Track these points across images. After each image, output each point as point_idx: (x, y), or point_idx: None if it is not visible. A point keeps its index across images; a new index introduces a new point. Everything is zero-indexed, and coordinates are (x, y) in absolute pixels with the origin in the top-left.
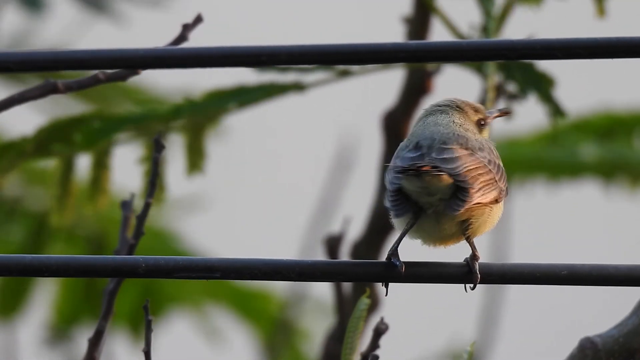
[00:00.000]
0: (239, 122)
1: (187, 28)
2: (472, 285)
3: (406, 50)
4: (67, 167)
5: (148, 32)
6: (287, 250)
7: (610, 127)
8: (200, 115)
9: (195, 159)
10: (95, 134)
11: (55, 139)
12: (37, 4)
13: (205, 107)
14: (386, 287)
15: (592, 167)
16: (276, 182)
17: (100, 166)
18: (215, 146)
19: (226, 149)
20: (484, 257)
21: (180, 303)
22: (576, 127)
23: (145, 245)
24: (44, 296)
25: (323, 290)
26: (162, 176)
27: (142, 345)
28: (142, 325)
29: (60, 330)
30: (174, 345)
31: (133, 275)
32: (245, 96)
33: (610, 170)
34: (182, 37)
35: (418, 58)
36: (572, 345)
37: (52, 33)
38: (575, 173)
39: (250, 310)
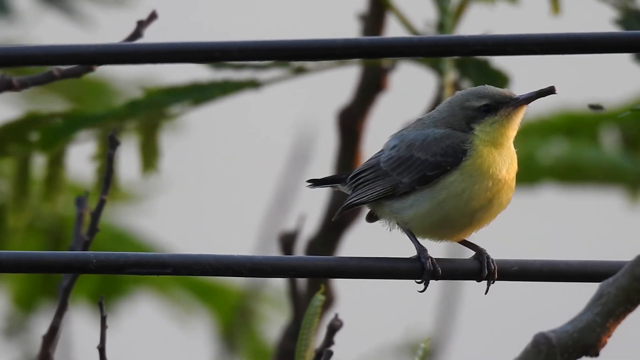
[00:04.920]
0: (194, 119)
1: (141, 25)
2: (422, 281)
3: (358, 46)
4: (23, 168)
5: (111, 32)
6: (243, 245)
7: (571, 127)
8: (155, 112)
9: (150, 158)
10: (52, 134)
11: (11, 139)
12: (4, 9)
13: (160, 103)
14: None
15: (549, 171)
16: (232, 178)
17: (56, 164)
18: (171, 142)
19: (182, 145)
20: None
21: (144, 285)
22: (536, 127)
23: (100, 241)
24: (1, 287)
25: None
26: (117, 173)
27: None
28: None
29: (18, 321)
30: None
31: (84, 271)
32: (200, 93)
33: (568, 173)
34: (136, 34)
35: (370, 54)
36: (526, 340)
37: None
38: (534, 177)
39: (209, 299)
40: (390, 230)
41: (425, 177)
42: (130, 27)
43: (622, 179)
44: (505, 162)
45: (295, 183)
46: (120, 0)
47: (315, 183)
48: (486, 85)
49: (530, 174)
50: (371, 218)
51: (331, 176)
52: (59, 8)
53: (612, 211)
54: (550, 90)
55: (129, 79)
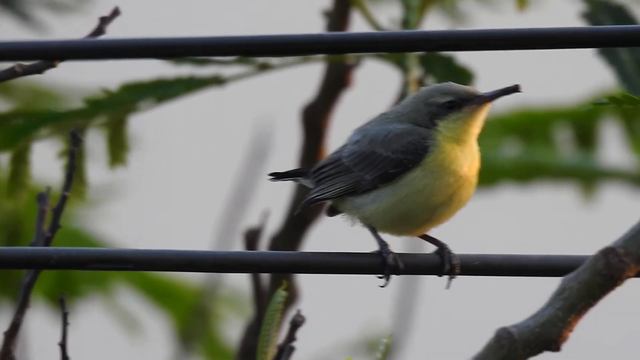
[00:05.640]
0: (156, 115)
1: (104, 21)
2: (384, 276)
3: (322, 41)
4: None
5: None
6: (204, 242)
7: (529, 126)
8: (119, 110)
9: (117, 152)
10: (15, 133)
11: None
12: None
13: (124, 100)
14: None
15: (507, 171)
16: (193, 175)
17: (20, 161)
18: (133, 139)
19: (145, 141)
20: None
21: (97, 288)
22: (494, 126)
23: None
24: None
25: (242, 280)
26: (82, 170)
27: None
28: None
29: None
30: (93, 328)
31: (45, 266)
32: (164, 90)
33: (524, 172)
34: (99, 30)
35: (334, 49)
36: (488, 335)
37: None
38: (493, 177)
39: (166, 298)
40: (352, 225)
41: (387, 174)
42: (85, 33)
43: (576, 176)
44: (467, 158)
45: (255, 179)
46: (74, 6)
47: (277, 176)
48: (450, 82)
49: (488, 174)
50: (332, 212)
51: (293, 169)
52: (13, 13)
53: (570, 208)
54: (515, 89)
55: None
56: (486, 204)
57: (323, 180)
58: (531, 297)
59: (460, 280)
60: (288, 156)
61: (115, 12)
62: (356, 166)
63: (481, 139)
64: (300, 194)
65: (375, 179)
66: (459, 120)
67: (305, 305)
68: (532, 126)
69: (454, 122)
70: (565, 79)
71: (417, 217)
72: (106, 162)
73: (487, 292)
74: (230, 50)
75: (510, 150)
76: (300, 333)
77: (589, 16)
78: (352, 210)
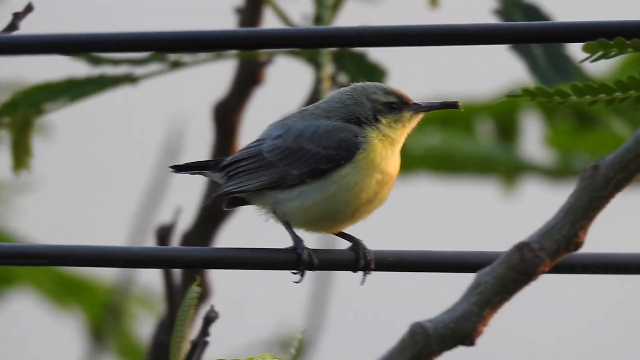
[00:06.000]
0: (69, 113)
1: (17, 17)
2: (298, 272)
3: (234, 37)
4: None
5: None
6: (118, 238)
7: (446, 117)
8: (30, 110)
9: (22, 157)
10: None
11: None
12: None
13: (35, 101)
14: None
15: (423, 160)
16: (107, 172)
17: None
18: (46, 136)
19: (58, 138)
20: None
21: (14, 285)
22: None
23: None
24: None
25: (154, 277)
26: None
27: None
28: None
29: None
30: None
31: None
32: (76, 89)
33: (442, 163)
34: (12, 26)
35: (246, 45)
36: (403, 330)
37: None
38: (408, 166)
39: (79, 295)
40: (266, 221)
41: (317, 170)
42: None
43: (496, 169)
44: (394, 158)
45: (168, 176)
46: None
47: (179, 169)
48: (389, 84)
49: (404, 163)
50: (231, 205)
51: (197, 162)
52: None
53: (489, 201)
54: (454, 105)
55: None
56: (404, 195)
57: (240, 174)
58: (446, 291)
59: (376, 275)
60: (201, 153)
61: (29, 8)
62: (281, 161)
63: None
64: (212, 189)
65: (303, 174)
66: (398, 122)
67: (219, 301)
68: (451, 118)
69: (394, 123)
70: (485, 73)
71: (341, 214)
72: (10, 167)
73: (402, 286)
74: (143, 46)
75: (428, 139)
76: (214, 330)
77: (501, 13)
78: (271, 205)
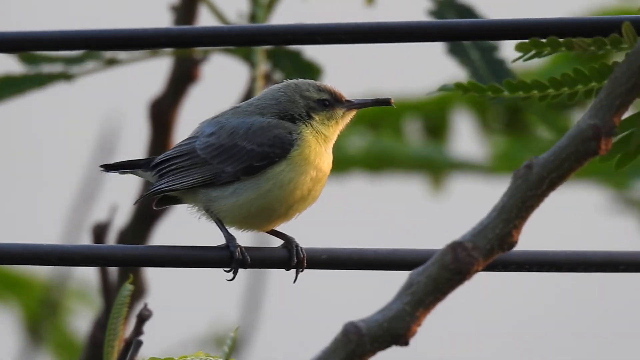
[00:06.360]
0: (4, 109)
1: None
2: (231, 269)
3: (168, 35)
4: None
5: None
6: (52, 237)
7: (376, 117)
8: None
9: None
10: None
11: None
12: None
13: None
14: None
15: (357, 160)
16: (41, 170)
17: None
18: None
19: None
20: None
21: None
22: None
23: None
24: None
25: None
26: None
27: None
28: None
29: None
30: None
31: None
32: (11, 87)
33: (374, 162)
34: None
35: (181, 43)
36: (336, 330)
37: None
38: (343, 166)
39: (14, 291)
40: (199, 219)
41: (251, 167)
42: None
43: (426, 168)
44: (328, 155)
45: (103, 174)
46: None
47: (109, 168)
48: (321, 82)
49: (337, 163)
50: (160, 204)
51: (127, 160)
52: None
53: (423, 199)
54: (386, 102)
55: None
56: (336, 194)
57: (172, 172)
58: (381, 290)
59: (309, 273)
60: (137, 150)
61: None
62: (214, 158)
63: None
64: (146, 188)
65: (237, 171)
66: (331, 119)
67: (155, 299)
68: (382, 117)
69: (327, 120)
70: (421, 72)
71: (275, 211)
72: None
73: (336, 285)
74: (78, 45)
75: (359, 139)
76: (149, 327)
77: (435, 14)
78: (204, 202)
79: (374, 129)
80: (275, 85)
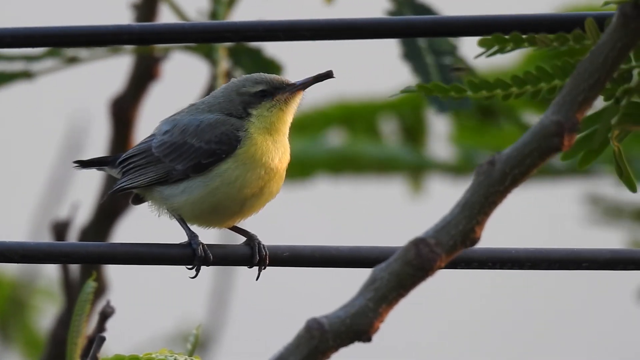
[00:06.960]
0: None
1: None
2: (193, 267)
3: (129, 32)
4: None
5: None
6: (16, 234)
7: (348, 118)
8: None
9: None
10: None
11: None
12: None
13: None
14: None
15: (324, 162)
16: (4, 169)
17: None
18: None
19: None
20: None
21: None
22: (312, 118)
23: None
24: None
25: (54, 273)
26: None
27: None
28: None
29: None
30: None
31: None
32: None
33: (344, 164)
34: None
35: (141, 40)
36: (299, 326)
37: None
38: (309, 168)
39: None
40: (159, 216)
41: (199, 165)
42: None
43: (401, 169)
44: (278, 150)
45: (68, 172)
46: None
47: (83, 164)
48: (261, 73)
49: (305, 165)
50: (137, 200)
51: (99, 158)
52: None
53: (391, 200)
54: (328, 75)
55: None
56: (305, 195)
57: (131, 170)
58: (343, 286)
59: (272, 270)
60: (102, 148)
61: None
62: (167, 157)
63: (301, 131)
64: (109, 185)
65: (187, 169)
66: (272, 108)
67: (123, 297)
68: (354, 118)
69: (268, 110)
70: (386, 72)
71: (228, 208)
72: None
73: (299, 282)
74: (41, 42)
75: (330, 140)
76: (116, 325)
77: (394, 14)
78: (160, 200)
79: (346, 131)
80: (226, 83)
